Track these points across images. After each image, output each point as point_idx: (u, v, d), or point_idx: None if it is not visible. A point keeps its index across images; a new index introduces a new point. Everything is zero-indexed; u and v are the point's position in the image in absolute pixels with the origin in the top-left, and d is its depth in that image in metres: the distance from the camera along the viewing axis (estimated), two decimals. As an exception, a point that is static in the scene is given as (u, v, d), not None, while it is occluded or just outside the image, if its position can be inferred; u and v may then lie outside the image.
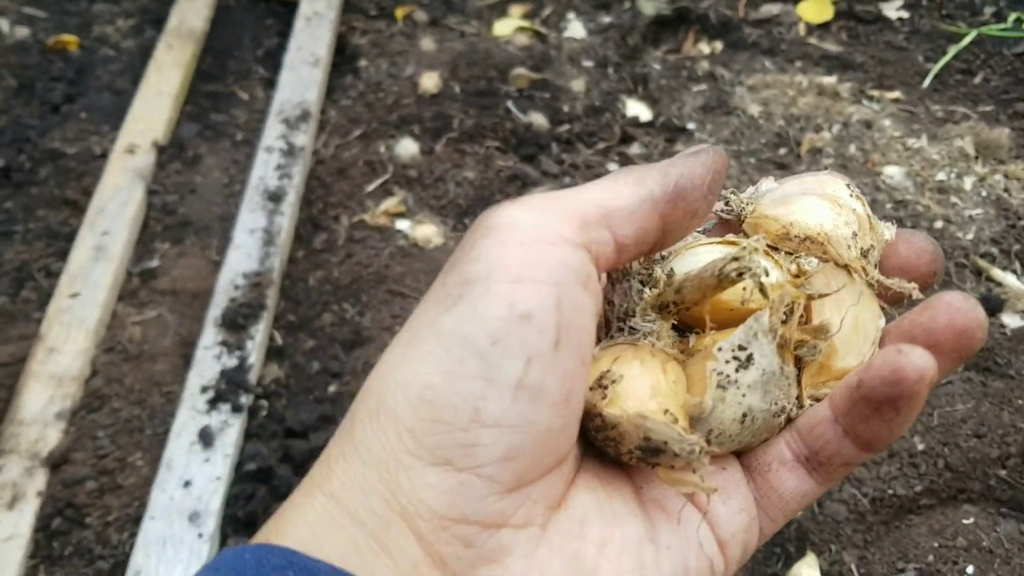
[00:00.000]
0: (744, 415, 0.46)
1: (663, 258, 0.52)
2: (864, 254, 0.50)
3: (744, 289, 0.49)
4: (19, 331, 1.55)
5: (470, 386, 0.39)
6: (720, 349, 0.45)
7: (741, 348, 0.45)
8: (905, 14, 2.13)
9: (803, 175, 0.55)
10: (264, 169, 1.74)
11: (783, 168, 1.77)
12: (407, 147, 1.83)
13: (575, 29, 2.14)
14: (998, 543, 1.28)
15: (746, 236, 0.52)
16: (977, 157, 1.79)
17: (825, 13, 2.12)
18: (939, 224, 1.67)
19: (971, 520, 1.31)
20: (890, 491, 1.34)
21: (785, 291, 0.46)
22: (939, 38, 2.07)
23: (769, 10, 2.14)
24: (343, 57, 2.05)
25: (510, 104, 1.91)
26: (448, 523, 0.39)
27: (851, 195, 0.53)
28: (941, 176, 1.76)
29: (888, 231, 0.52)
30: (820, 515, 1.31)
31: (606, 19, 2.16)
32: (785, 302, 0.46)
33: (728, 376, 0.45)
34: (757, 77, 1.99)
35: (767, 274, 0.48)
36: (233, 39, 2.11)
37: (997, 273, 1.60)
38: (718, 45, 2.09)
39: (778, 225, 0.51)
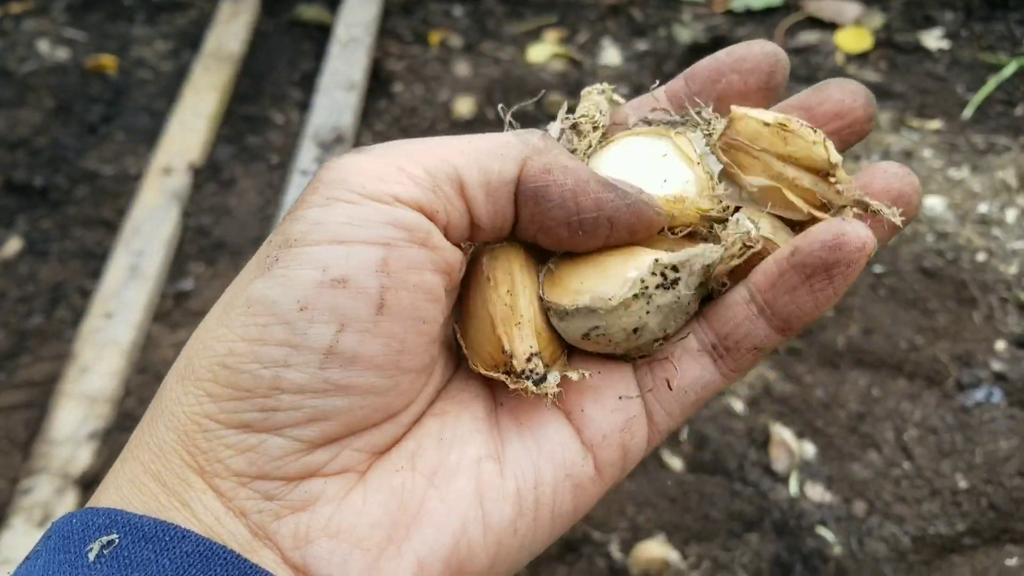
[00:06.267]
0: (636, 330, 0.44)
1: (604, 137, 0.53)
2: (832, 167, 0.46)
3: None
4: (52, 350, 1.55)
5: (272, 353, 0.38)
6: (657, 260, 0.44)
7: (674, 269, 0.44)
8: (945, 44, 2.11)
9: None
10: (299, 192, 1.74)
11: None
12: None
13: (610, 56, 2.13)
14: (1045, 586, 1.25)
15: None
16: (1020, 189, 1.76)
17: (864, 42, 2.10)
18: (981, 257, 1.64)
19: (1015, 561, 1.28)
20: (932, 530, 1.31)
21: (745, 237, 0.45)
22: (979, 68, 2.04)
23: (807, 39, 2.13)
24: (378, 81, 2.06)
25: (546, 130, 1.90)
26: (247, 479, 0.39)
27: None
28: (983, 208, 1.73)
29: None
30: (860, 553, 1.28)
31: (641, 46, 2.16)
32: (737, 247, 0.45)
33: (648, 289, 0.43)
34: (794, 106, 1.97)
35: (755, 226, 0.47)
36: (269, 62, 2.12)
37: (1042, 308, 1.57)
38: (754, 73, 2.08)
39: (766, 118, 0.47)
